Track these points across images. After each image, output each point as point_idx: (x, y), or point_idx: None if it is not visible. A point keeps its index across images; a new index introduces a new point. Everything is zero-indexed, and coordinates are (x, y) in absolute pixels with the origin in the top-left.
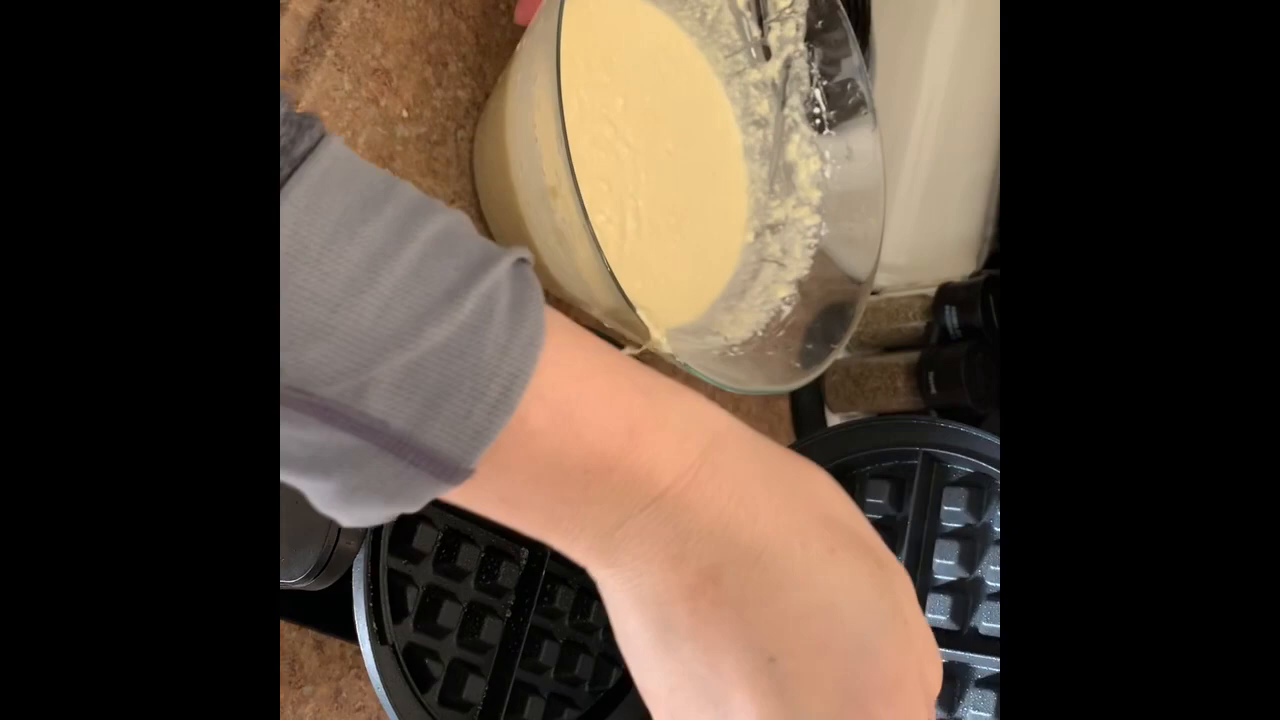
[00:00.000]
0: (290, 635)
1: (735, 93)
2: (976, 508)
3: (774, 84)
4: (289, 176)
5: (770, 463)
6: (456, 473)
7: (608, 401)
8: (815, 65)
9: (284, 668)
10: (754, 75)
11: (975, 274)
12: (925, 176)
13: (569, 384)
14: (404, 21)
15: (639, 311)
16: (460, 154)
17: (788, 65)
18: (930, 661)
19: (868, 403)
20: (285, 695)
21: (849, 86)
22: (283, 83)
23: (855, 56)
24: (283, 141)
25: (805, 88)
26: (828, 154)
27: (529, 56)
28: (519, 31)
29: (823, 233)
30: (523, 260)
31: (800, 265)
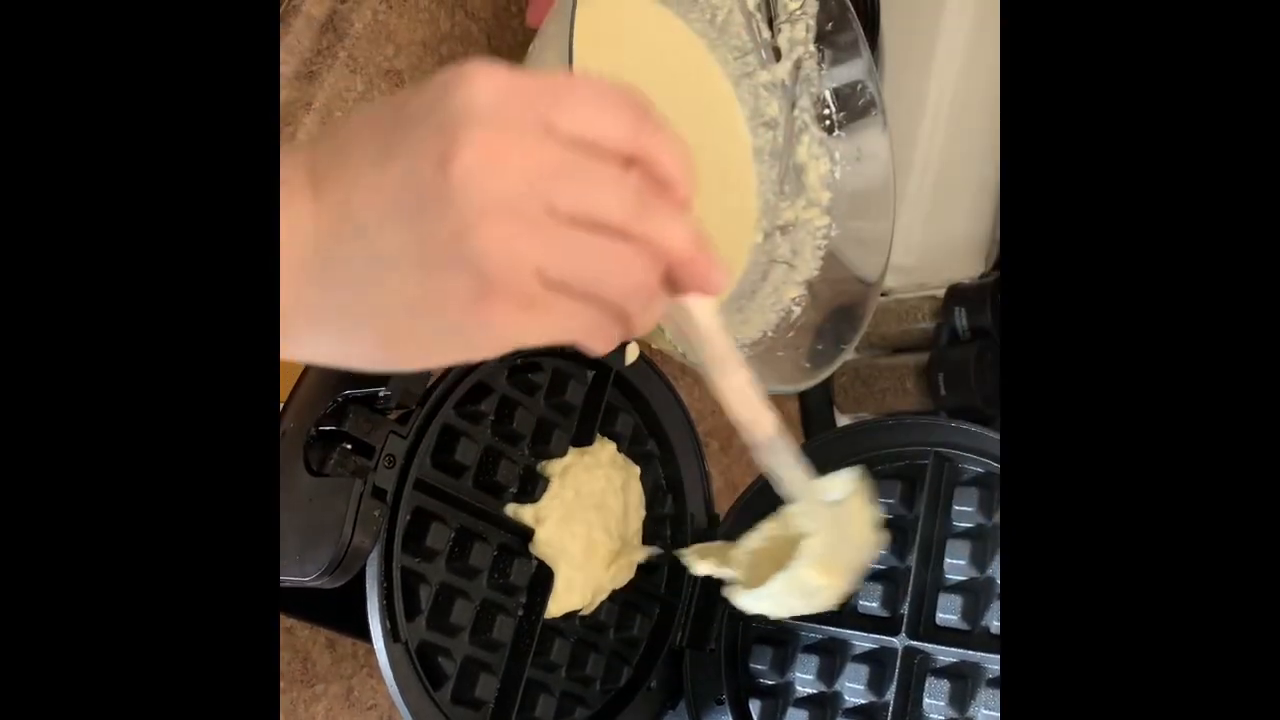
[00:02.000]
0: (303, 634)
1: (745, 94)
2: (987, 507)
3: (784, 85)
4: None
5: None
6: None
7: None
8: (825, 66)
9: (296, 666)
10: (764, 76)
11: (984, 275)
12: (934, 177)
13: None
14: (416, 23)
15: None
16: None
17: (798, 66)
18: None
19: (877, 404)
20: (297, 693)
21: (859, 88)
22: (296, 83)
23: (865, 57)
24: None
25: (815, 89)
26: (837, 155)
27: (540, 59)
28: (530, 33)
29: (832, 234)
30: None
31: (810, 266)
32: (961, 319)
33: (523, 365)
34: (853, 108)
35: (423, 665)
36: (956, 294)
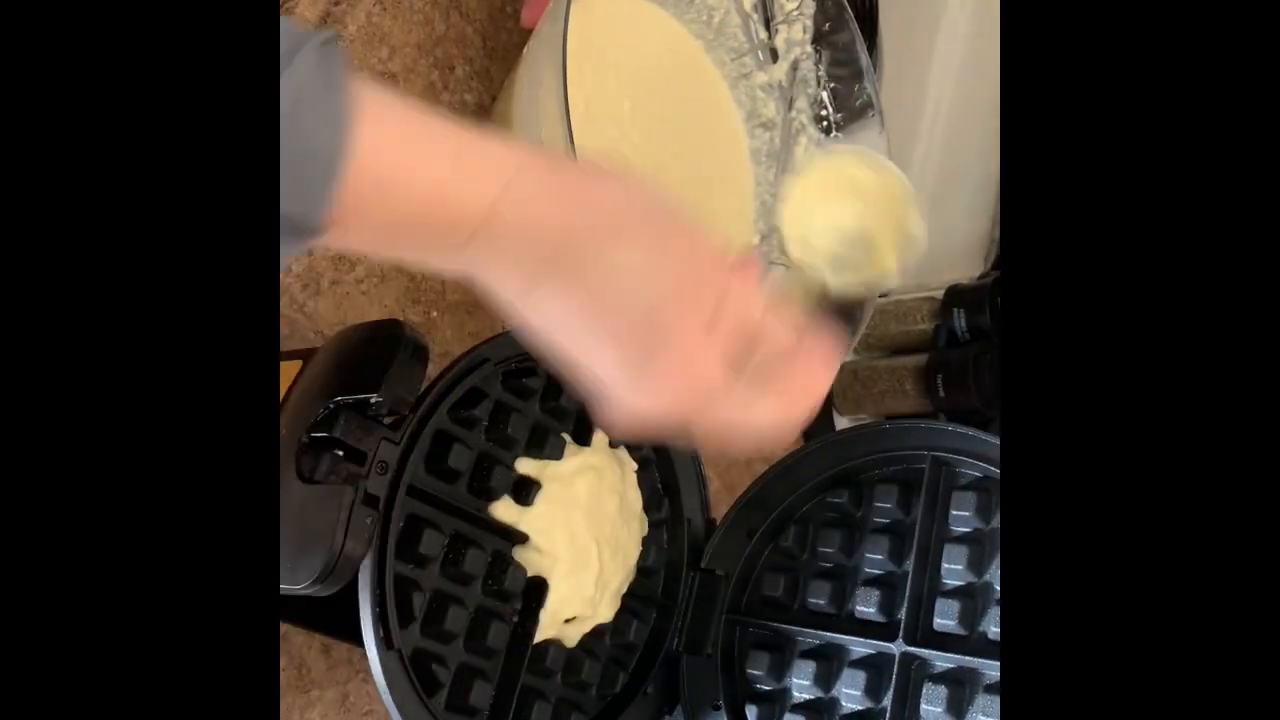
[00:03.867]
0: (298, 639)
1: (742, 95)
2: (985, 512)
3: (781, 86)
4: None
5: (559, 179)
6: (308, 230)
7: (422, 163)
8: (822, 67)
9: (292, 672)
10: (761, 78)
11: (983, 275)
12: (933, 178)
13: (388, 153)
14: (410, 25)
15: None
16: None
17: (795, 67)
18: (717, 270)
19: (875, 405)
20: (293, 699)
21: (856, 88)
22: None
23: (863, 58)
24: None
25: (812, 90)
26: None
27: (535, 60)
28: (526, 35)
29: None
30: (327, 40)
31: None
32: (960, 320)
33: (517, 370)
34: (850, 108)
35: (417, 673)
36: (955, 295)
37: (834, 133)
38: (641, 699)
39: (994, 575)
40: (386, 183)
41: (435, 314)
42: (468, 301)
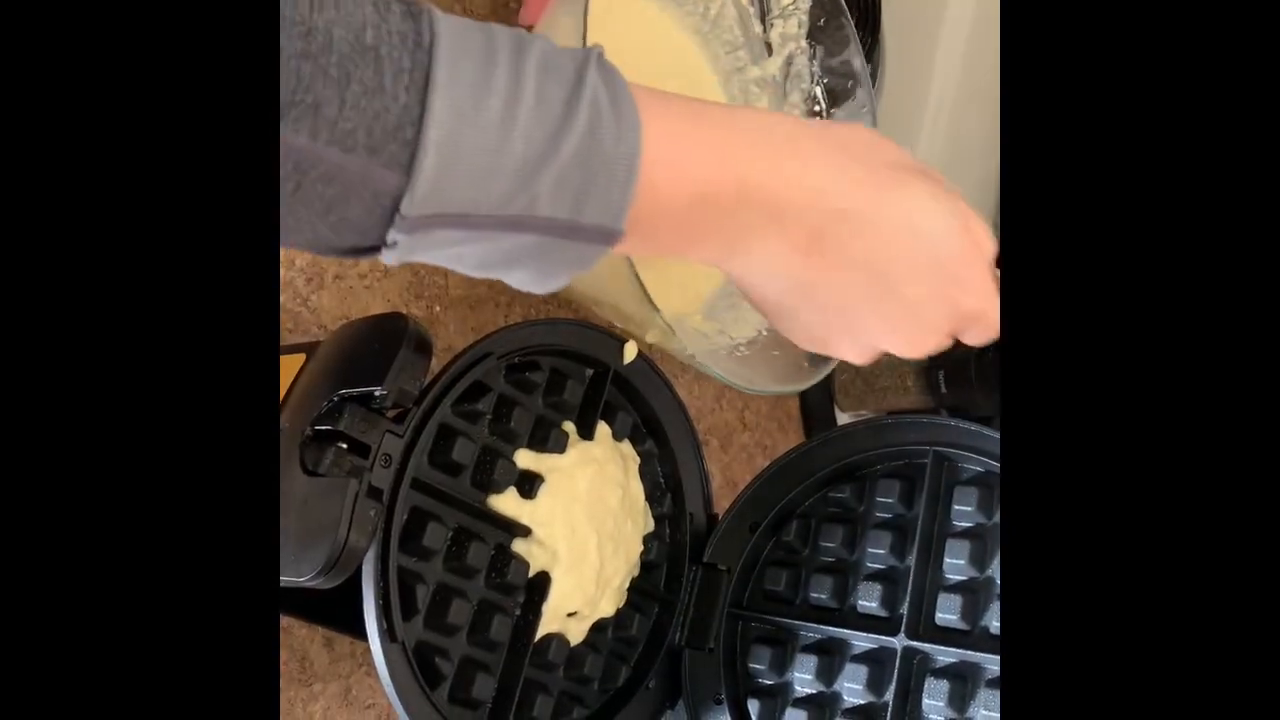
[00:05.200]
0: (300, 633)
1: (735, 90)
2: (987, 507)
3: (775, 81)
4: (429, 66)
5: (835, 138)
6: (613, 236)
7: (702, 145)
8: (817, 63)
9: (294, 665)
10: (754, 72)
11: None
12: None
13: (672, 145)
14: None
15: (658, 309)
16: None
17: (789, 62)
18: (986, 239)
19: (877, 402)
20: (295, 693)
21: (850, 84)
22: None
23: (857, 55)
24: (410, 35)
25: (806, 85)
26: None
27: None
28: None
29: None
30: (600, 55)
31: None
32: None
33: (520, 364)
34: (844, 103)
35: (420, 665)
36: None
37: None
38: (643, 693)
39: (996, 570)
40: (676, 172)
41: (438, 309)
42: (471, 296)
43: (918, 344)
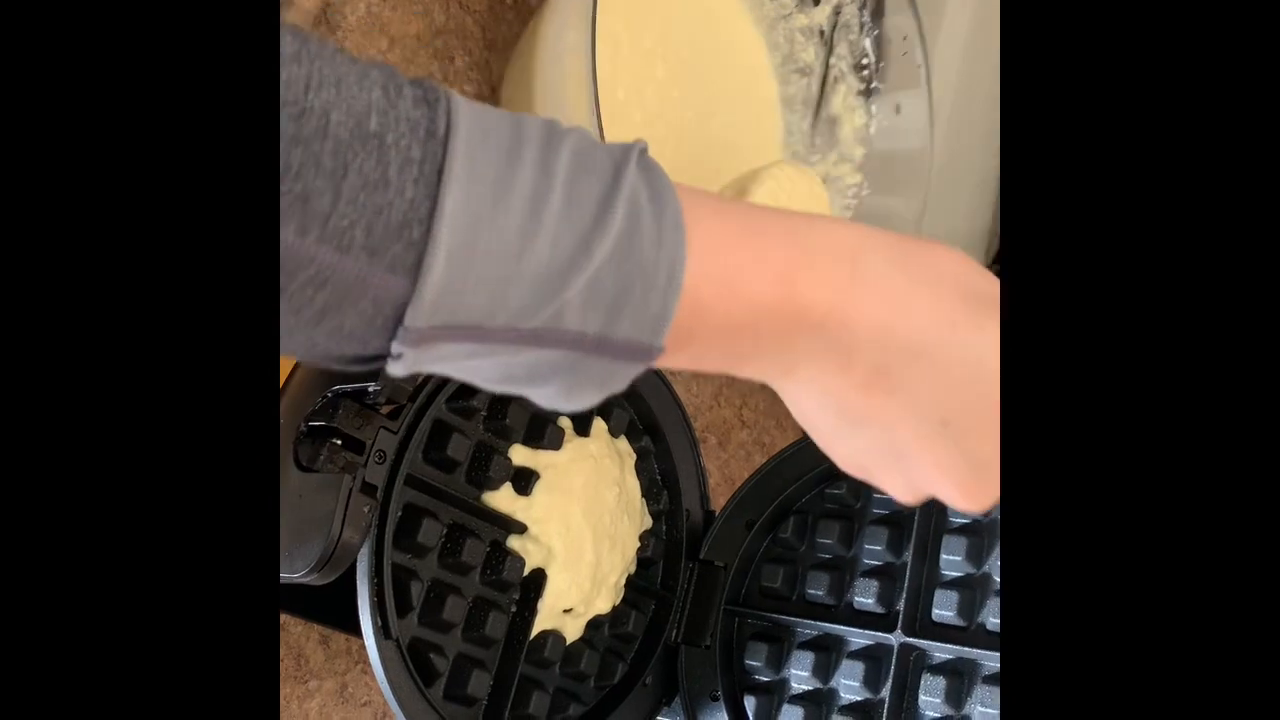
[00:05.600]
0: (296, 630)
1: (779, 38)
2: None
3: (821, 31)
4: (443, 159)
5: (910, 260)
6: (650, 353)
7: (758, 259)
8: (866, 13)
9: (290, 662)
10: (801, 20)
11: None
12: (936, 170)
13: (721, 254)
14: (410, 16)
15: None
16: None
17: (837, 12)
18: None
19: None
20: (291, 690)
21: (903, 39)
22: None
23: (908, 8)
24: (423, 123)
25: (854, 36)
26: (874, 108)
27: (561, 15)
28: (522, 28)
29: (864, 193)
30: (643, 151)
31: None
32: None
33: None
34: (893, 60)
35: (415, 662)
36: None
37: (874, 82)
38: (640, 690)
39: (993, 566)
40: (726, 289)
41: None
42: None
43: (976, 499)
